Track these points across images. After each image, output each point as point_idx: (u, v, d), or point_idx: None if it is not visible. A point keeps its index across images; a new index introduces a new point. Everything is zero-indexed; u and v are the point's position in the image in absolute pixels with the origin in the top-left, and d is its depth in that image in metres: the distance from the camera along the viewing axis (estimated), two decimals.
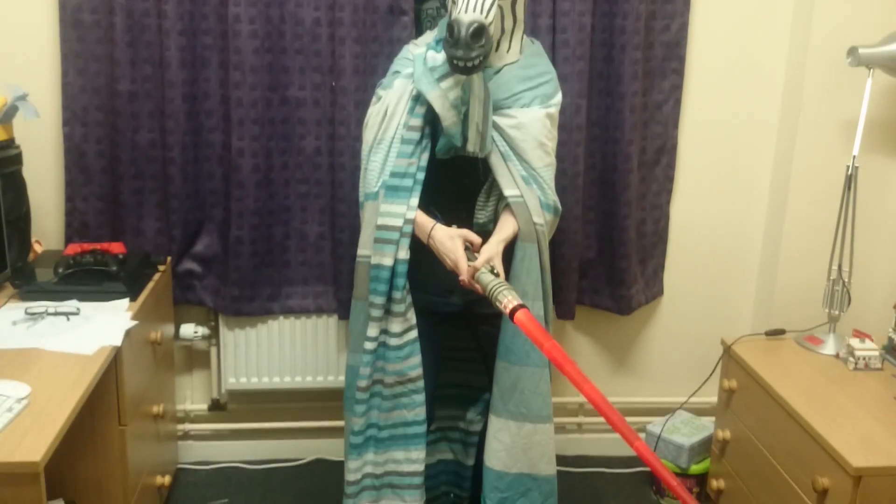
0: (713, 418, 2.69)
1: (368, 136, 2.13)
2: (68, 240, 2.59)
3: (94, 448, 2.07)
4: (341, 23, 2.50)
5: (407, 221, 2.05)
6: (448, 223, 2.08)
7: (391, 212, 2.05)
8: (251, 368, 2.79)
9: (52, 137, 2.58)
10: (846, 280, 2.46)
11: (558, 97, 2.14)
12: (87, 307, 2.16)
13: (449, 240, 2.01)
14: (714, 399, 2.67)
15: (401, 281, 2.06)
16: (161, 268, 2.53)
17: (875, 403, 2.14)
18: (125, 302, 2.23)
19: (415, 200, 2.06)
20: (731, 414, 2.51)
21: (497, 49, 2.01)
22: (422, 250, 2.09)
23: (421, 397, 2.14)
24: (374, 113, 2.13)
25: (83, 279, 2.27)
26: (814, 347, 2.49)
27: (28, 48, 2.53)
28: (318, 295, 2.75)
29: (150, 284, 2.40)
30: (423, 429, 2.16)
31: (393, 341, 2.10)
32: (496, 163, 2.07)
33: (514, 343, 2.08)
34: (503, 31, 2.00)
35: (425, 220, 2.07)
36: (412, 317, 2.11)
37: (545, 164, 2.11)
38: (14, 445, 1.52)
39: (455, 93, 1.97)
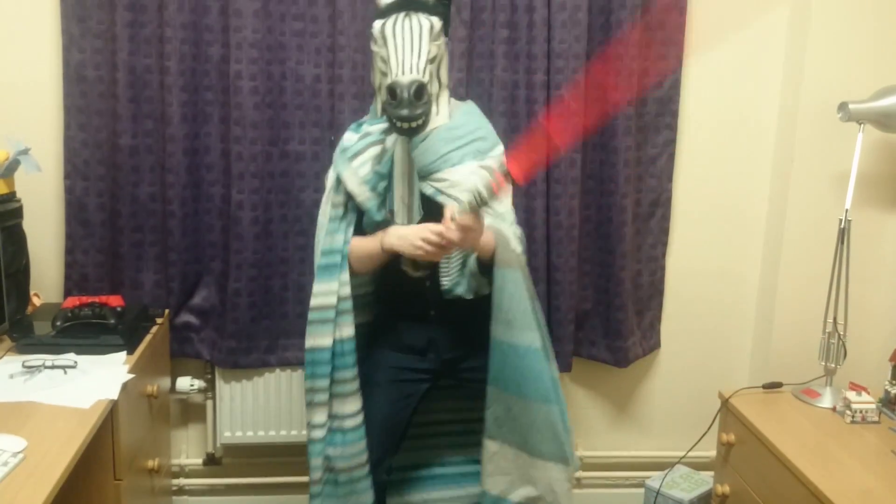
0: (712, 473, 2.68)
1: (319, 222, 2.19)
2: (67, 292, 2.60)
3: (89, 503, 2.05)
4: (340, 79, 2.54)
5: (342, 298, 2.08)
6: (415, 297, 2.14)
7: (323, 291, 2.09)
8: (247, 422, 2.78)
9: (53, 191, 2.61)
10: (841, 333, 2.47)
11: (498, 150, 2.14)
12: (85, 360, 2.16)
13: (404, 228, 2.00)
14: (713, 453, 2.67)
15: (348, 359, 2.08)
16: (159, 320, 2.54)
17: (873, 457, 2.13)
18: (122, 355, 2.23)
19: (346, 275, 2.08)
20: (730, 468, 2.50)
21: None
22: (390, 313, 2.16)
23: (369, 481, 2.14)
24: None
25: (81, 332, 2.27)
26: (811, 400, 2.49)
27: (31, 103, 2.57)
28: None
29: (148, 337, 2.40)
30: None
31: (348, 423, 2.10)
32: None
33: (503, 369, 2.05)
34: (437, 92, 2.04)
35: (366, 239, 2.07)
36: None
37: (500, 210, 2.09)
38: (9, 500, 1.51)
39: (365, 169, 2.06)
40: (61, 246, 2.62)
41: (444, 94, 2.09)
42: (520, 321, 2.00)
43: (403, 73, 1.88)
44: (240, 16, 2.48)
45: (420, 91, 1.86)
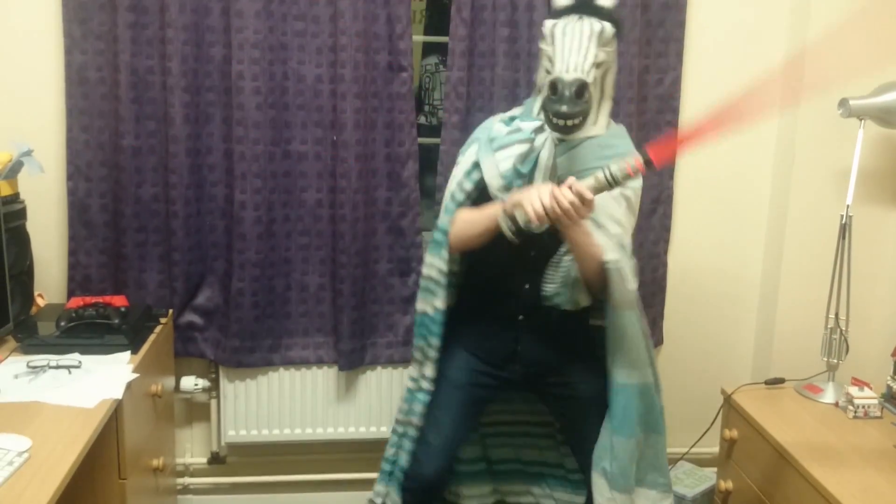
0: (715, 469, 2.68)
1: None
2: (71, 293, 2.61)
3: (94, 502, 2.06)
4: (342, 79, 2.55)
5: (443, 273, 2.15)
6: (508, 295, 2.16)
7: (429, 263, 2.19)
8: (251, 421, 2.79)
9: (56, 192, 2.62)
10: (843, 328, 2.47)
11: (637, 183, 2.10)
12: (89, 360, 2.17)
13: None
14: (716, 449, 2.67)
15: (438, 328, 2.18)
16: (163, 320, 2.54)
17: (875, 452, 2.14)
18: (126, 355, 2.24)
19: (447, 253, 2.14)
20: (733, 464, 2.50)
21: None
22: (481, 317, 2.21)
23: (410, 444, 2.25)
24: (451, 175, 2.24)
25: (85, 332, 2.28)
26: (813, 396, 2.49)
27: (33, 105, 2.57)
28: (319, 346, 2.76)
29: (152, 337, 2.41)
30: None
31: (425, 385, 2.23)
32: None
33: (626, 414, 2.06)
34: (598, 101, 2.00)
35: (487, 209, 2.05)
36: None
37: (622, 241, 2.05)
38: (14, 499, 1.52)
39: (507, 164, 2.04)
40: (65, 247, 2.63)
41: (607, 106, 2.04)
42: (638, 361, 2.05)
43: (567, 70, 1.86)
44: (241, 16, 2.49)
45: (581, 90, 1.84)
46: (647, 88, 2.71)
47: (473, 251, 2.15)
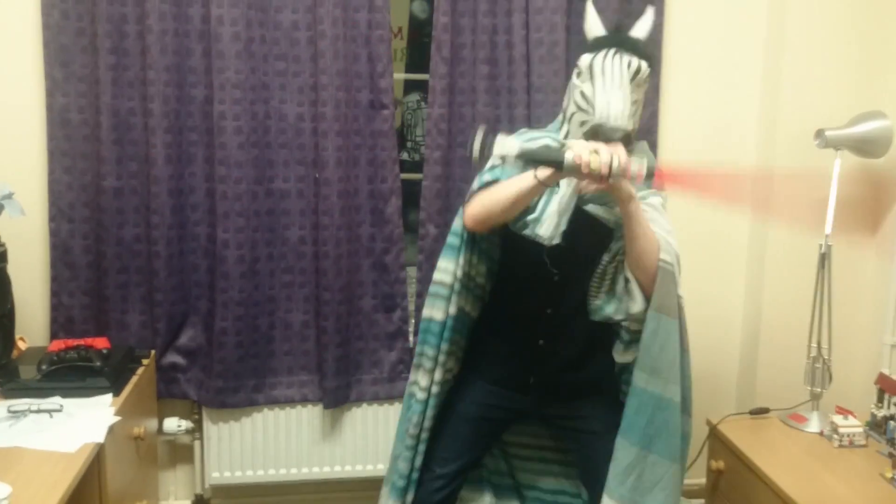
0: (703, 501, 2.68)
1: None
2: (53, 335, 2.59)
3: None
4: (324, 117, 2.57)
5: (456, 278, 2.11)
6: (529, 319, 2.11)
7: (443, 268, 2.14)
8: (235, 462, 2.76)
9: (37, 234, 2.61)
10: (826, 357, 2.48)
11: (663, 195, 2.08)
12: (71, 404, 2.15)
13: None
14: (702, 480, 2.66)
15: (451, 333, 2.14)
16: (145, 361, 2.52)
17: (861, 481, 2.14)
18: (108, 397, 2.22)
19: (463, 258, 2.10)
20: (721, 495, 2.50)
21: None
22: (501, 340, 2.17)
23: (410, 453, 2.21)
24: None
25: (67, 375, 2.26)
26: (798, 425, 2.50)
27: (15, 147, 2.57)
28: (303, 384, 2.74)
29: (134, 379, 2.39)
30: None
31: (434, 389, 2.18)
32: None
33: (637, 419, 1.97)
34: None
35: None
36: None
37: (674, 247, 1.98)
38: None
39: (537, 143, 1.97)
40: (47, 289, 2.61)
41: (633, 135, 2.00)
42: (665, 372, 1.95)
43: (609, 117, 1.82)
44: (223, 57, 2.51)
45: (625, 141, 1.81)
46: None
47: (500, 276, 2.16)
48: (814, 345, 2.49)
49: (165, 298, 2.63)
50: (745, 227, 2.87)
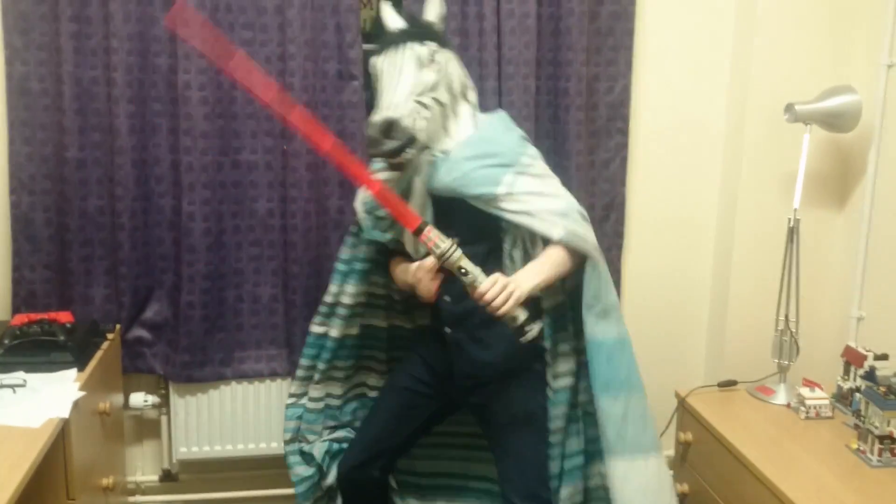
0: (671, 472, 2.70)
1: None
2: (15, 310, 2.54)
3: None
4: (292, 88, 2.53)
5: (347, 303, 2.27)
6: (434, 310, 2.18)
7: (333, 291, 2.31)
8: (203, 437, 2.74)
9: None
10: (793, 330, 2.50)
11: (525, 156, 2.09)
12: (34, 378, 2.11)
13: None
14: (671, 452, 2.68)
15: (349, 352, 2.37)
16: (110, 336, 2.49)
17: (827, 452, 2.16)
18: (73, 372, 2.19)
19: (350, 287, 2.27)
20: (689, 467, 2.52)
21: (447, 132, 2.06)
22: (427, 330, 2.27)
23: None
24: None
25: (30, 350, 2.22)
26: (765, 398, 2.52)
27: None
28: (272, 358, 2.72)
29: (99, 353, 2.36)
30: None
31: (334, 402, 2.41)
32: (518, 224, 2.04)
33: (610, 370, 2.08)
34: (445, 113, 2.04)
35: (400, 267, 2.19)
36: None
37: (556, 207, 2.06)
38: None
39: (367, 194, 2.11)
40: (8, 263, 2.56)
41: (464, 108, 2.10)
42: (614, 312, 2.08)
43: (378, 110, 1.92)
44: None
45: (388, 128, 1.88)
46: (597, 96, 2.72)
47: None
48: (781, 318, 2.51)
49: (130, 272, 2.59)
50: (714, 201, 2.88)
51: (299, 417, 2.38)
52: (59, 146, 2.50)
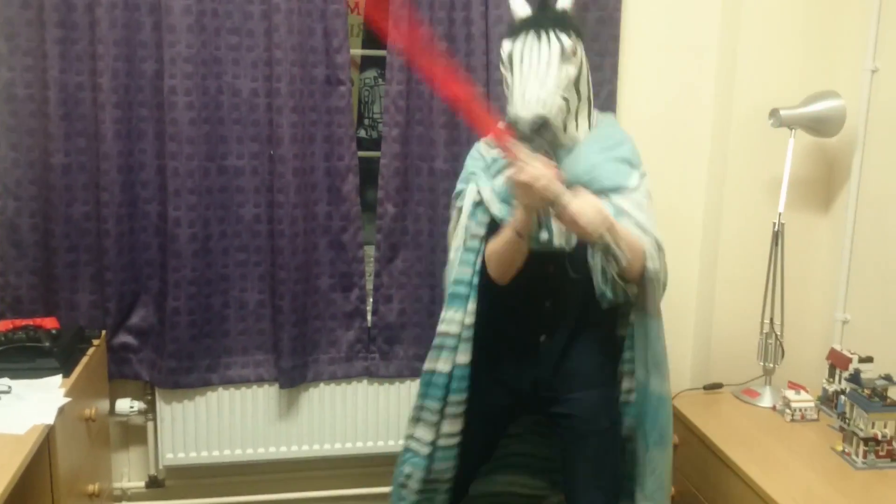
0: None
1: (451, 246, 2.14)
2: (0, 316, 2.52)
3: None
4: (279, 93, 2.52)
5: (465, 327, 2.02)
6: (528, 316, 2.07)
7: (449, 318, 2.04)
8: (189, 443, 2.72)
9: None
10: (779, 333, 2.52)
11: (643, 167, 2.04)
12: (19, 385, 2.10)
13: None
14: None
15: (463, 384, 2.05)
16: (95, 342, 2.48)
17: (813, 454, 2.18)
18: (58, 378, 2.18)
19: (472, 305, 2.02)
20: (675, 470, 2.52)
21: (566, 130, 1.95)
22: (503, 342, 2.12)
23: (444, 497, 2.16)
24: (451, 226, 2.15)
25: (15, 356, 2.21)
26: (751, 400, 2.53)
27: None
28: (259, 364, 2.71)
29: (84, 360, 2.35)
30: None
31: (451, 441, 2.09)
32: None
33: (657, 425, 2.02)
34: (569, 111, 1.93)
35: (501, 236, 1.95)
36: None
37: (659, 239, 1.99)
38: None
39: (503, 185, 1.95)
40: None
41: (585, 108, 1.99)
42: (664, 371, 2.01)
43: (525, 106, 1.79)
44: (173, 31, 2.45)
45: (542, 128, 1.79)
46: None
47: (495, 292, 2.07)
48: (766, 321, 2.53)
49: (116, 277, 2.58)
50: (700, 204, 2.89)
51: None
52: (45, 152, 2.49)
